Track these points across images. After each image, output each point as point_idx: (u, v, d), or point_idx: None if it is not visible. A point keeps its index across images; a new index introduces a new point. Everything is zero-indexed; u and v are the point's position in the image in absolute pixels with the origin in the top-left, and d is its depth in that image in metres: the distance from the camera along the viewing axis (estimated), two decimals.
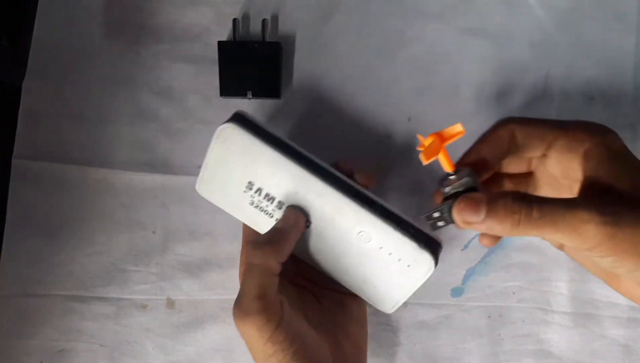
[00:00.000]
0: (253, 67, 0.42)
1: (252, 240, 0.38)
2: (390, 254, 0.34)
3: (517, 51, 0.43)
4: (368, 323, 0.40)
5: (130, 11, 0.44)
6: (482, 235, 0.34)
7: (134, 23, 0.44)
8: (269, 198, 0.35)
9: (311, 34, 0.44)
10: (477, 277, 0.42)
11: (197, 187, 0.37)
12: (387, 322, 0.42)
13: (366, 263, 0.35)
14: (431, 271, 0.34)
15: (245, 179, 0.35)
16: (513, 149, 0.32)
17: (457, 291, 0.42)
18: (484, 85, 0.43)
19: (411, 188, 0.42)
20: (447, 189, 0.31)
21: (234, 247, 0.43)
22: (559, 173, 0.33)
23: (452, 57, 0.43)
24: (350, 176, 0.35)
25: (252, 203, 0.36)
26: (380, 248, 0.34)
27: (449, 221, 0.31)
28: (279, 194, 0.35)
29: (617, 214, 0.27)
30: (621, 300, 0.41)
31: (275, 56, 0.42)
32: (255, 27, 0.44)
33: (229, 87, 0.43)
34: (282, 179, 0.34)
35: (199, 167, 0.43)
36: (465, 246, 0.43)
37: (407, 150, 0.43)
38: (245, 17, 0.44)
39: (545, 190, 0.35)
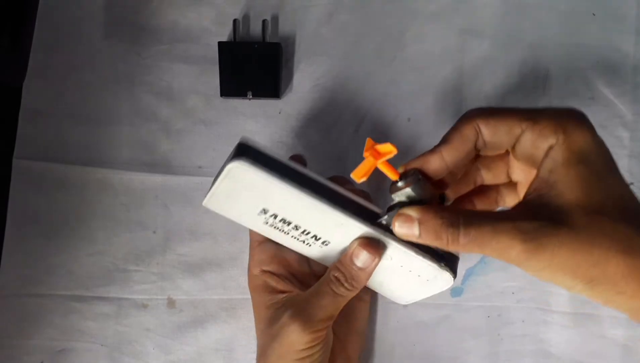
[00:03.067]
0: (253, 67, 0.42)
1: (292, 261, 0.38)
2: (410, 271, 0.34)
3: (517, 50, 0.43)
4: (369, 323, 0.40)
5: (131, 12, 0.44)
6: None
7: (134, 23, 0.44)
8: (285, 222, 0.33)
9: (311, 34, 0.44)
10: (476, 277, 0.42)
11: (204, 203, 0.34)
12: (386, 321, 0.42)
13: (386, 273, 0.35)
14: (450, 284, 0.34)
15: (259, 206, 0.33)
16: (480, 147, 0.31)
17: (456, 291, 0.42)
18: (484, 85, 0.43)
19: None
20: (393, 197, 0.31)
21: (234, 247, 0.43)
22: (523, 171, 0.32)
23: (452, 57, 0.43)
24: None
25: (266, 223, 0.34)
26: (401, 266, 0.34)
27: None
28: (294, 219, 0.33)
29: (539, 238, 0.27)
30: None
31: (275, 57, 0.42)
32: (256, 27, 0.44)
33: (229, 87, 0.43)
34: (298, 210, 0.32)
35: (200, 167, 0.43)
36: None
37: (407, 150, 0.43)
38: (246, 17, 0.44)
39: (518, 174, 0.34)
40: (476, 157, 0.32)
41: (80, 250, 0.43)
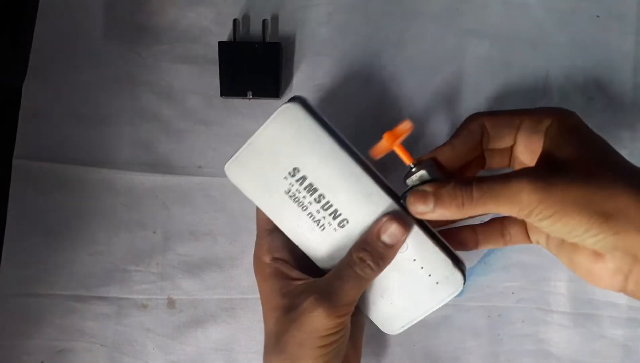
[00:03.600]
0: (253, 67, 0.42)
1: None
2: (422, 267, 0.34)
3: (517, 51, 0.43)
4: (369, 323, 0.40)
5: (131, 12, 0.44)
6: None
7: (134, 23, 0.44)
8: (310, 189, 0.33)
9: (311, 34, 0.44)
10: (476, 277, 0.42)
11: (226, 167, 0.34)
12: None
13: (394, 274, 0.34)
14: (457, 292, 0.34)
15: (292, 164, 0.33)
16: (485, 141, 0.34)
17: None
18: (484, 85, 0.43)
19: None
20: (408, 182, 0.34)
21: (234, 247, 0.43)
22: (528, 157, 0.34)
23: (452, 57, 0.43)
24: None
25: (288, 191, 0.34)
26: (414, 260, 0.34)
27: None
28: (322, 186, 0.33)
29: (548, 179, 0.29)
30: (620, 300, 0.42)
31: (275, 57, 0.42)
32: (256, 27, 0.44)
33: (229, 87, 0.43)
34: (333, 171, 0.33)
35: (200, 167, 0.43)
36: None
37: (407, 150, 0.43)
38: (246, 17, 0.44)
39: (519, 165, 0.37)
40: (481, 159, 0.36)
41: (80, 249, 0.43)
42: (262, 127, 0.33)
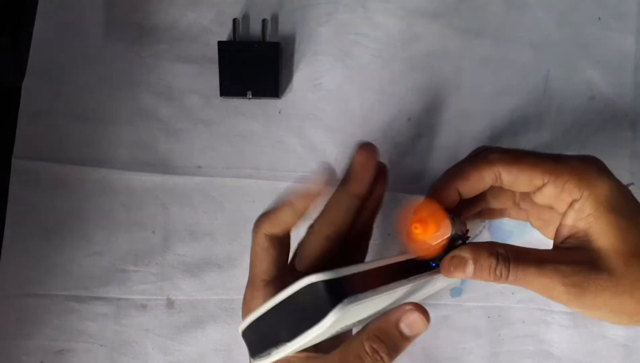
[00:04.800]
0: (253, 67, 0.42)
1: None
2: (435, 285, 0.34)
3: (517, 51, 0.43)
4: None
5: (130, 11, 0.44)
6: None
7: (134, 23, 0.44)
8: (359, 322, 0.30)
9: (311, 34, 0.44)
10: None
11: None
12: None
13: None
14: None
15: (346, 327, 0.29)
16: (496, 186, 0.32)
17: (456, 292, 0.42)
18: (484, 85, 0.43)
19: (411, 188, 0.42)
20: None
21: (234, 247, 0.43)
22: (543, 207, 0.33)
23: (452, 57, 0.43)
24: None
25: (330, 335, 0.29)
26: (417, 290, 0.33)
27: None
28: (371, 312, 0.29)
29: (580, 283, 0.29)
30: None
31: (275, 56, 0.42)
32: (255, 27, 0.44)
33: (229, 87, 0.43)
34: (383, 302, 0.29)
35: (199, 167, 0.43)
36: None
37: (408, 150, 0.43)
38: (245, 17, 0.44)
39: (527, 207, 0.36)
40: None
41: (79, 250, 0.43)
42: (309, 332, 0.26)
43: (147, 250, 0.43)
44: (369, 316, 0.30)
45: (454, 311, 0.42)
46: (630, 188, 0.42)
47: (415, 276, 0.30)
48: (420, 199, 0.31)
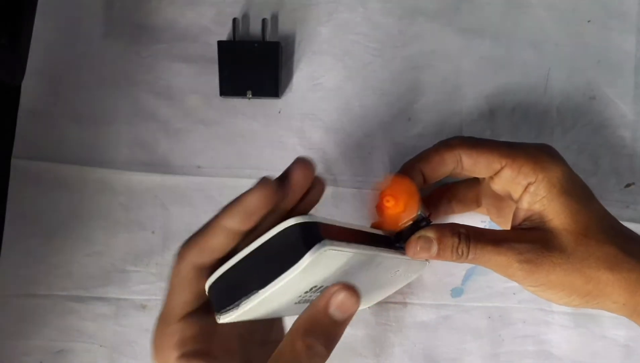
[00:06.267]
0: (253, 66, 0.42)
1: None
2: (397, 271, 0.34)
3: (517, 51, 0.43)
4: (369, 324, 0.40)
5: (130, 11, 0.44)
6: None
7: (133, 23, 0.44)
8: (318, 290, 0.28)
9: (311, 33, 0.44)
10: (477, 277, 0.42)
11: (221, 319, 0.27)
12: (387, 322, 0.42)
13: (370, 280, 0.33)
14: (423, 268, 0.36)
15: (310, 285, 0.27)
16: (457, 170, 0.34)
17: (457, 292, 0.42)
18: (484, 85, 0.43)
19: None
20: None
21: None
22: (501, 193, 0.35)
23: (452, 57, 0.43)
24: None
25: (299, 302, 0.28)
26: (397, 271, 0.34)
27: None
28: (337, 278, 0.28)
29: (533, 260, 0.31)
30: None
31: (275, 56, 0.42)
32: (255, 27, 0.44)
33: (229, 86, 0.42)
34: (357, 266, 0.28)
35: (199, 167, 0.43)
36: None
37: (407, 150, 0.43)
38: (245, 17, 0.44)
39: (487, 201, 0.39)
40: (448, 191, 0.39)
41: (79, 250, 0.43)
42: (282, 277, 0.25)
43: (146, 250, 0.43)
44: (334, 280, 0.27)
45: (454, 312, 0.42)
46: (631, 187, 0.42)
47: (384, 249, 0.31)
48: (392, 176, 0.33)
